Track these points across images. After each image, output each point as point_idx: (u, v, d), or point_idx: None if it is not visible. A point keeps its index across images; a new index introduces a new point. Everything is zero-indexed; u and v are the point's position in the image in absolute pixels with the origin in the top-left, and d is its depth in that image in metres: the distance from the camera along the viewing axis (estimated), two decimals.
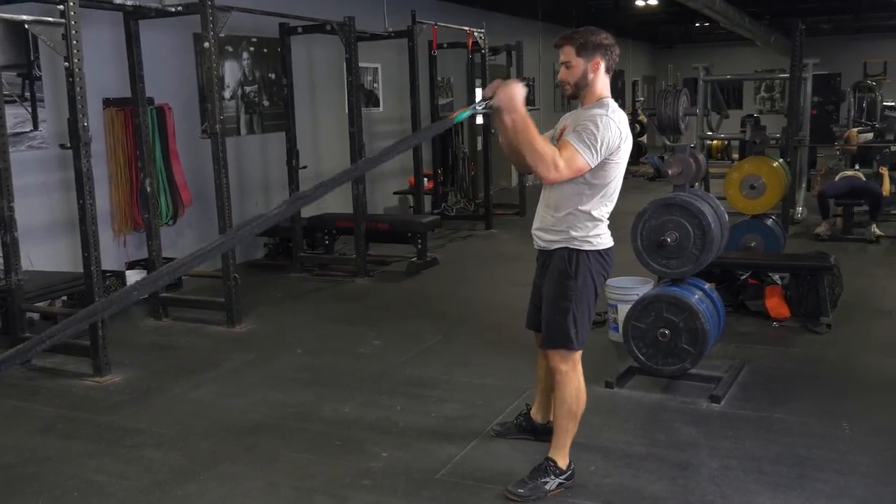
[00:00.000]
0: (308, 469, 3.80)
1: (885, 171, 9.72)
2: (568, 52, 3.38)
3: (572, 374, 3.48)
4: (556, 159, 3.17)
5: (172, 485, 3.68)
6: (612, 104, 3.37)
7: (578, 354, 3.49)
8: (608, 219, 3.47)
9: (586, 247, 3.41)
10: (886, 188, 9.43)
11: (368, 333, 5.89)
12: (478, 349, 5.46)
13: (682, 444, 4.03)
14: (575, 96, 3.45)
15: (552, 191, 3.44)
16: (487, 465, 3.78)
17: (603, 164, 3.29)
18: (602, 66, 3.39)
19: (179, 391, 4.85)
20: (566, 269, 3.41)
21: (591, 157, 3.22)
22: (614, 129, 3.27)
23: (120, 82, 6.47)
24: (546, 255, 3.54)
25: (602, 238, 3.44)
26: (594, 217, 3.39)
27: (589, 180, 3.33)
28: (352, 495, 3.55)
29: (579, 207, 3.37)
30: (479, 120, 10.72)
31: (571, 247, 3.41)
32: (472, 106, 3.25)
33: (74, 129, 4.81)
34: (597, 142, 3.22)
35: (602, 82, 3.41)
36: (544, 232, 3.50)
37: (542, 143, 3.20)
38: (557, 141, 3.41)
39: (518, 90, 3.13)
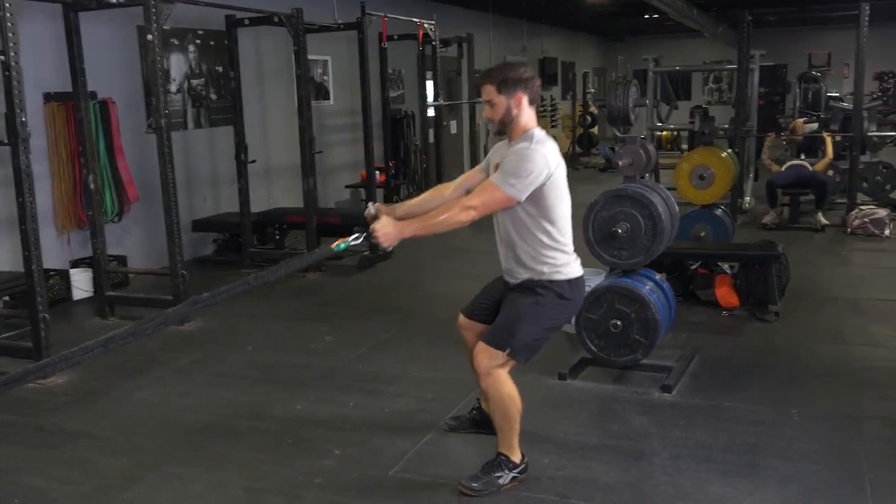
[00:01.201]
0: (259, 469, 3.73)
1: (828, 136, 9.89)
2: (489, 91, 3.36)
3: (499, 373, 3.37)
4: (464, 207, 3.22)
5: (118, 489, 3.59)
6: (538, 135, 3.35)
7: (507, 362, 3.39)
8: (571, 247, 3.44)
9: (556, 276, 3.39)
10: (830, 151, 9.57)
11: (321, 329, 5.82)
12: (431, 343, 5.43)
13: (635, 434, 4.06)
14: (502, 132, 3.44)
15: (503, 229, 3.44)
16: (441, 460, 3.76)
17: (539, 194, 3.28)
18: (525, 99, 3.37)
19: (125, 392, 4.75)
20: (533, 290, 3.39)
21: (514, 191, 3.22)
22: (539, 158, 3.25)
23: (61, 76, 6.29)
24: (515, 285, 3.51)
25: (571, 266, 3.42)
26: (551, 247, 3.36)
27: (533, 214, 3.32)
28: (304, 494, 3.50)
29: (534, 243, 3.35)
30: (431, 112, 10.69)
31: (542, 279, 3.39)
32: (355, 236, 3.24)
33: (12, 124, 4.66)
34: (520, 176, 3.21)
35: (527, 115, 3.38)
36: (513, 272, 3.46)
37: (441, 212, 3.25)
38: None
39: (387, 230, 3.16)
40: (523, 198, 3.25)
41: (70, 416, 4.40)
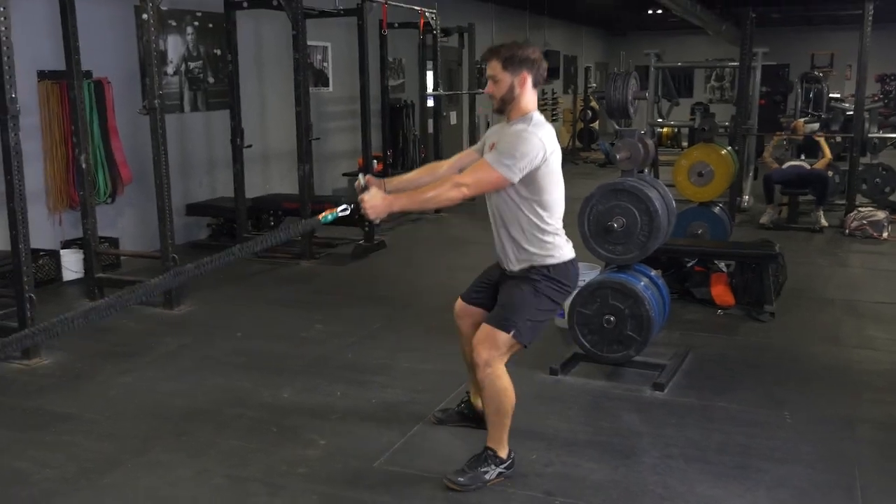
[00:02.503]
0: (242, 457, 3.68)
1: (820, 137, 9.85)
2: (494, 66, 3.31)
3: (496, 365, 3.31)
4: (455, 184, 3.19)
5: (98, 473, 3.53)
6: (536, 118, 3.32)
7: (508, 351, 3.35)
8: (562, 230, 3.41)
9: (550, 261, 3.36)
10: (827, 151, 9.53)
11: (312, 317, 5.77)
12: (421, 334, 5.37)
13: (626, 431, 4.00)
14: (501, 111, 3.39)
15: (495, 211, 3.41)
16: (427, 453, 3.71)
17: (533, 177, 3.24)
18: (529, 80, 3.32)
19: (111, 375, 4.69)
20: (528, 277, 3.36)
21: (508, 171, 3.18)
22: (536, 142, 3.21)
23: (57, 55, 6.21)
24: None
25: (562, 250, 3.39)
26: (544, 230, 3.33)
27: (526, 196, 3.29)
28: (286, 484, 3.44)
29: (527, 225, 3.32)
30: (430, 102, 10.61)
31: (535, 263, 3.36)
32: (343, 207, 3.19)
33: (1, 101, 4.58)
34: (515, 157, 3.17)
35: (528, 97, 3.34)
36: (507, 256, 3.43)
37: (432, 189, 3.23)
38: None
39: (375, 203, 3.13)
40: (516, 179, 3.20)
41: (55, 399, 4.34)
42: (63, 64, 6.12)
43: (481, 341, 3.34)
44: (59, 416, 4.11)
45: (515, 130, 3.27)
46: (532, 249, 3.35)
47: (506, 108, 3.35)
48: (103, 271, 6.44)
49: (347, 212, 3.20)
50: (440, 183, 3.26)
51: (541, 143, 3.22)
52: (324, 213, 3.16)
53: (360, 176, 3.31)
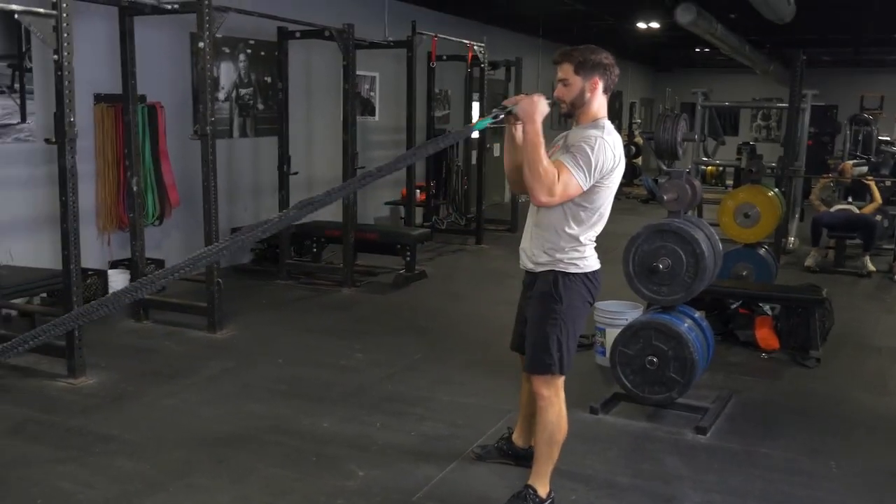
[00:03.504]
0: (282, 485, 3.69)
1: (870, 181, 9.71)
2: (566, 70, 3.31)
3: (555, 399, 3.38)
4: (554, 184, 3.12)
5: (140, 496, 3.56)
6: (608, 125, 3.30)
7: (562, 380, 3.40)
8: (594, 241, 3.40)
9: (572, 269, 3.33)
10: (877, 195, 9.39)
11: (352, 346, 5.79)
12: (462, 367, 5.36)
13: (667, 475, 3.94)
14: (570, 115, 3.37)
15: (541, 210, 3.36)
16: (466, 489, 3.69)
17: (594, 188, 3.22)
18: (600, 85, 3.31)
19: (154, 397, 4.74)
20: (551, 292, 3.33)
21: (584, 179, 3.16)
22: (609, 151, 3.20)
23: (113, 78, 6.37)
24: (532, 277, 3.47)
25: (589, 261, 3.37)
26: (580, 241, 3.31)
27: (579, 202, 3.26)
28: None
29: (566, 230, 3.29)
30: (475, 135, 10.67)
31: (557, 269, 3.33)
32: (493, 112, 3.20)
33: (60, 124, 4.70)
34: (590, 164, 3.15)
35: (599, 102, 3.33)
36: (531, 252, 3.42)
37: (547, 164, 3.14)
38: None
39: (541, 104, 3.13)
40: (587, 188, 3.19)
41: (98, 419, 4.39)
42: (118, 87, 6.27)
43: (536, 387, 3.39)
44: (102, 436, 4.16)
45: (590, 135, 3.22)
46: (557, 255, 3.33)
47: (575, 112, 3.34)
48: (149, 293, 6.52)
49: (500, 116, 3.19)
50: (552, 168, 3.13)
51: (613, 153, 3.21)
52: (476, 120, 3.16)
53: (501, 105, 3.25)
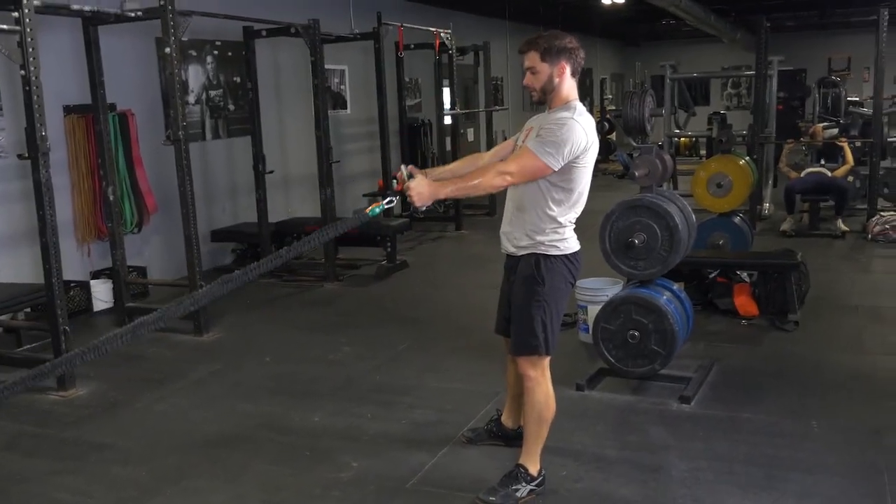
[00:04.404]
0: (277, 481, 3.75)
1: (843, 142, 9.81)
2: (532, 58, 3.36)
3: (542, 379, 3.46)
4: (500, 172, 3.21)
5: (138, 502, 3.61)
6: (579, 107, 3.35)
7: (548, 360, 3.47)
8: (574, 224, 3.46)
9: (553, 251, 3.39)
10: (850, 157, 9.50)
11: (338, 340, 5.84)
12: (448, 354, 5.43)
13: (653, 446, 4.03)
14: (542, 102, 3.43)
15: (518, 190, 3.41)
16: (458, 473, 3.76)
17: (569, 169, 3.28)
18: (568, 69, 3.37)
19: (145, 403, 4.78)
20: (534, 275, 3.40)
21: (552, 159, 3.21)
22: (579, 131, 3.25)
23: (81, 89, 6.37)
24: (513, 261, 3.53)
25: (569, 242, 3.43)
26: (560, 223, 3.37)
27: (555, 183, 3.31)
28: None
29: (547, 211, 3.35)
30: (448, 120, 10.71)
31: (539, 252, 3.40)
32: (388, 198, 3.18)
33: (32, 138, 4.70)
34: (557, 144, 3.21)
35: (568, 85, 3.39)
36: (512, 236, 3.48)
37: (476, 176, 3.23)
38: (522, 143, 3.40)
39: (421, 190, 3.09)
40: (558, 167, 3.23)
41: (91, 429, 4.43)
42: (87, 97, 6.26)
43: (523, 369, 3.46)
44: (96, 445, 4.20)
45: (559, 118, 3.28)
46: (537, 237, 3.38)
47: (546, 98, 3.39)
48: (133, 300, 6.55)
49: (393, 203, 3.19)
50: (484, 170, 3.27)
51: (584, 132, 3.26)
52: (371, 207, 3.14)
53: (403, 167, 3.25)
